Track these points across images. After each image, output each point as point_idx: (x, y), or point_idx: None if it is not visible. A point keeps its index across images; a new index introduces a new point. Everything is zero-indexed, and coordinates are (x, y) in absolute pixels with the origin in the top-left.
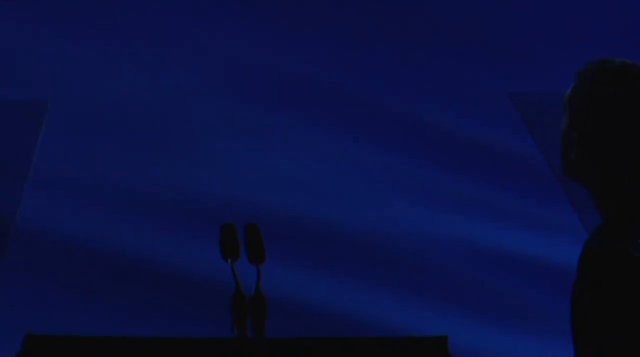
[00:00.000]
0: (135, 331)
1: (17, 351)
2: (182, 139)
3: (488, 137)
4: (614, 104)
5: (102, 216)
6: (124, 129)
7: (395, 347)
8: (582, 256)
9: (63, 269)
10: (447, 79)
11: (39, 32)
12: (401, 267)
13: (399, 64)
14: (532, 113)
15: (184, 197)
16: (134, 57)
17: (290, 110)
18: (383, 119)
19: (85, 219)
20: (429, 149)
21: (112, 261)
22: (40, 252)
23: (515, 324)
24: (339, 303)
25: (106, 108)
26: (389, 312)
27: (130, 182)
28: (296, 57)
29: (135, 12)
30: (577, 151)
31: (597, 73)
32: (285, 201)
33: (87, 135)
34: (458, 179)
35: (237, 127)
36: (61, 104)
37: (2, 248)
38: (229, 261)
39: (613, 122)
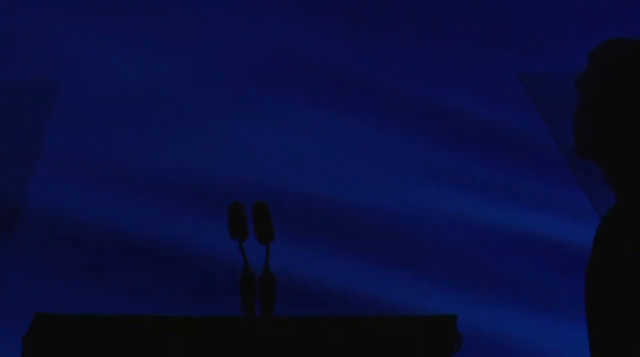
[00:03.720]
0: (144, 310)
1: (26, 330)
2: (191, 119)
3: (496, 118)
4: (627, 84)
5: (111, 197)
6: (134, 110)
7: (404, 326)
8: (597, 234)
9: (73, 249)
10: (455, 59)
11: (51, 12)
12: (409, 246)
13: (406, 45)
14: (541, 93)
15: (193, 177)
16: (146, 39)
17: (299, 91)
18: (390, 99)
19: (95, 200)
20: (437, 130)
21: (121, 241)
22: (50, 233)
23: (524, 304)
24: (347, 282)
25: (117, 89)
26: (398, 291)
27: (140, 163)
28: (305, 38)
29: None
30: (591, 131)
31: (610, 53)
32: (294, 180)
33: (98, 116)
34: (466, 159)
35: (246, 107)
36: (72, 85)
37: (12, 229)
38: (237, 240)
39: (627, 102)
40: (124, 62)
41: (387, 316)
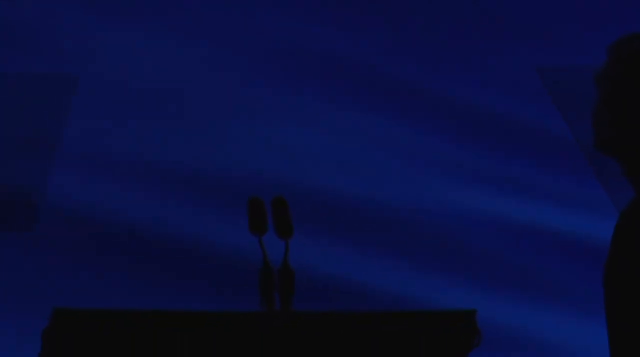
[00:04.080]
0: (163, 305)
1: (45, 324)
2: (211, 114)
3: (514, 112)
4: None
5: (130, 191)
6: (153, 104)
7: (423, 321)
8: (616, 229)
9: (91, 243)
10: (474, 53)
11: (70, 6)
12: (429, 242)
13: (424, 39)
14: (559, 88)
15: (213, 171)
16: (163, 34)
17: (317, 86)
18: (409, 93)
19: (114, 194)
20: (456, 124)
21: (140, 235)
22: (69, 227)
23: (543, 299)
24: (366, 277)
25: (136, 83)
26: (418, 285)
27: (159, 157)
28: (322, 33)
29: None
30: (610, 127)
31: (629, 47)
32: (313, 175)
33: (117, 110)
34: (484, 154)
35: (266, 102)
36: (91, 79)
37: (31, 222)
38: (257, 235)
39: None
40: (143, 56)
41: (406, 310)
